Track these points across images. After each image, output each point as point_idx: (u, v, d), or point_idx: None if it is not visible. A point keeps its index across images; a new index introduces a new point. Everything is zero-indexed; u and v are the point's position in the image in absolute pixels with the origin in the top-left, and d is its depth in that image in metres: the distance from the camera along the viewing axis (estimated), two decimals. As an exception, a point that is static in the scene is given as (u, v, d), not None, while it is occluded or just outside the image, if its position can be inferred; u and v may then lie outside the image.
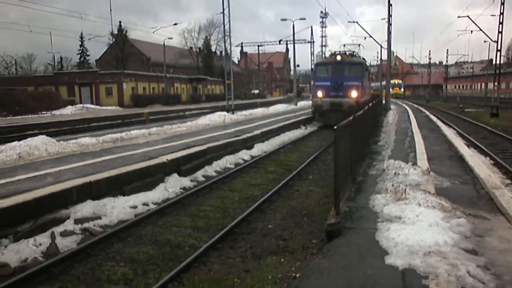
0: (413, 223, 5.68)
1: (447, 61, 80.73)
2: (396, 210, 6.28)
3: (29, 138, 12.02)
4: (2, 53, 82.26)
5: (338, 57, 24.67)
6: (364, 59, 30.13)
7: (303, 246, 6.55)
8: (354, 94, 23.44)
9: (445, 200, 6.81)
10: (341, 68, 24.37)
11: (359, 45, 34.78)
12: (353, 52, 28.03)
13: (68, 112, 38.02)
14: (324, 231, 6.27)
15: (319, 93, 24.31)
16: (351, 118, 8.41)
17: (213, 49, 78.95)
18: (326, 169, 12.34)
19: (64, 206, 7.70)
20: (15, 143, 11.58)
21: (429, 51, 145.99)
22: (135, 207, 8.54)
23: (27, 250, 6.34)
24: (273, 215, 8.26)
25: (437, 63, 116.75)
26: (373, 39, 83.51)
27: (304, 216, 8.12)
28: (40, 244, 6.61)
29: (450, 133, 18.83)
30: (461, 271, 4.25)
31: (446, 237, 5.14)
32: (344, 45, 29.52)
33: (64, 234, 7.05)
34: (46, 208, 7.34)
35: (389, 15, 34.11)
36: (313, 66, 25.23)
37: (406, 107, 43.12)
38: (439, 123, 23.68)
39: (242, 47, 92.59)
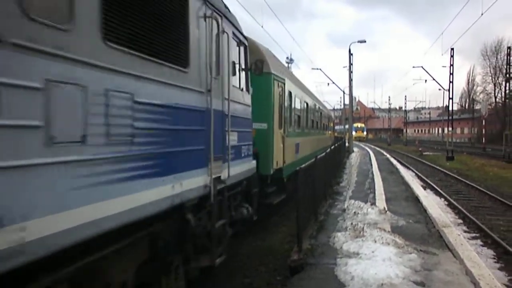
0: (369, 258, 6.15)
1: (405, 107, 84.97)
2: (354, 247, 6.74)
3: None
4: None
5: None
6: None
7: (268, 283, 6.84)
8: None
9: (399, 237, 7.34)
10: None
11: None
12: None
13: None
14: (288, 267, 6.61)
15: None
16: (313, 160, 8.98)
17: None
18: (292, 209, 12.74)
19: None
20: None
21: (389, 97, 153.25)
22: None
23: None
24: (239, 253, 8.51)
25: (397, 108, 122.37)
26: (336, 85, 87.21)
27: (270, 254, 8.41)
28: None
29: (408, 175, 19.84)
30: (409, 301, 4.69)
31: (397, 271, 5.60)
32: None
33: None
34: None
35: (350, 64, 36.13)
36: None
37: (369, 150, 44.78)
38: (399, 166, 24.84)
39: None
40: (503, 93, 56.36)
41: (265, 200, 9.46)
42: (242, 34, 6.88)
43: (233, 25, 6.27)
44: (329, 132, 28.63)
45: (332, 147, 16.02)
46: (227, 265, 7.74)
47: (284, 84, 10.91)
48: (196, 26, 4.66)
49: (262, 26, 22.88)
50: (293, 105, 12.26)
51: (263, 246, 8.96)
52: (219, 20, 5.44)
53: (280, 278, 6.99)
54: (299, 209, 6.92)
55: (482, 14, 22.63)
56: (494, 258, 8.34)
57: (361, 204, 10.33)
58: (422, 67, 44.83)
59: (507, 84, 40.62)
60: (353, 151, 37.48)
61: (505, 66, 41.93)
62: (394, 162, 28.17)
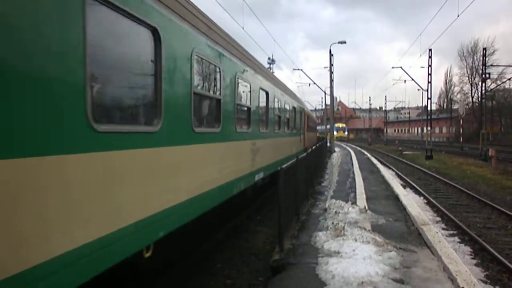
0: (350, 257, 6.21)
1: (385, 107, 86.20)
2: (335, 246, 6.81)
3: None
4: None
5: None
6: None
7: (250, 284, 6.84)
8: None
9: (379, 236, 7.44)
10: None
11: None
12: None
13: None
14: (270, 267, 6.63)
15: None
16: (294, 160, 9.02)
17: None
18: (274, 210, 12.78)
19: None
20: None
21: (369, 97, 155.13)
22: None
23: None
24: (221, 254, 8.50)
25: (378, 108, 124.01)
26: (317, 85, 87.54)
27: (252, 254, 8.42)
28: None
29: (388, 174, 20.11)
30: (388, 298, 4.76)
31: (377, 269, 5.68)
32: None
33: None
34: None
35: (331, 64, 36.44)
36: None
37: (350, 149, 45.21)
38: (379, 165, 25.15)
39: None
40: (479, 93, 57.65)
41: None
42: None
43: None
44: (298, 132, 18.14)
45: (313, 147, 16.08)
46: (209, 266, 7.73)
47: None
48: None
49: (243, 28, 22.75)
50: None
51: (245, 247, 8.96)
52: None
53: (262, 279, 7.01)
54: (280, 210, 6.95)
55: (458, 16, 23.10)
56: (471, 255, 8.53)
57: (342, 204, 10.43)
58: (401, 67, 45.75)
59: (483, 84, 41.63)
60: (334, 151, 37.78)
61: (481, 67, 42.89)
62: (375, 161, 28.52)
